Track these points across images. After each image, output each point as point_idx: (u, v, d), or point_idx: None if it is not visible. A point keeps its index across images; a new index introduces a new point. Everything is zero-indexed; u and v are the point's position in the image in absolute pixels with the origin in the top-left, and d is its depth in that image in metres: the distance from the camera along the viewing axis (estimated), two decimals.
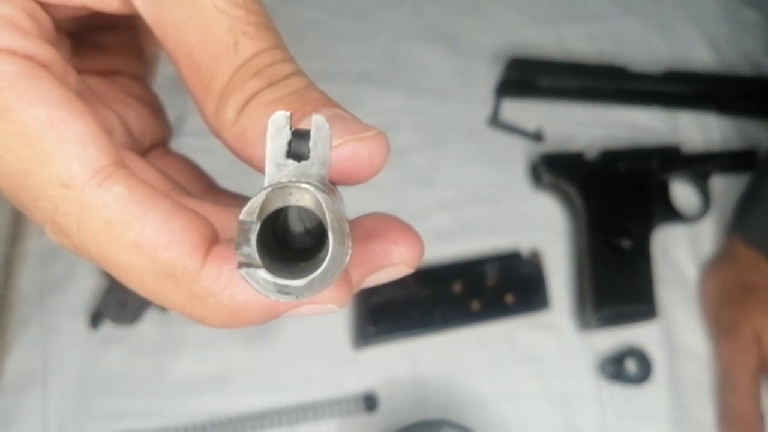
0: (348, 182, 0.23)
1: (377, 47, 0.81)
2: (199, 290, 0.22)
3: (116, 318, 0.65)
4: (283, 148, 0.21)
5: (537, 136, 0.78)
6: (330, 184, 0.22)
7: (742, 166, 0.79)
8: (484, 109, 0.79)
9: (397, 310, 0.68)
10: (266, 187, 0.20)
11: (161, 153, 0.33)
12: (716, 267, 0.73)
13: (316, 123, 0.21)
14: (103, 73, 0.31)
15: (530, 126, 0.78)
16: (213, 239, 0.23)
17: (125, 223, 0.22)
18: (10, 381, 0.63)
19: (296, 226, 0.24)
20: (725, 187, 0.78)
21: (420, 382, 0.67)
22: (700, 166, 0.78)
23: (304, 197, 0.20)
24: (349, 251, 0.20)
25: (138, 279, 0.23)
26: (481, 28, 0.84)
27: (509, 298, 0.70)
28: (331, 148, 0.21)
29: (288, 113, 0.21)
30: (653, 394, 0.69)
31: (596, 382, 0.69)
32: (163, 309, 0.66)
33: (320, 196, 0.20)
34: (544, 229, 0.75)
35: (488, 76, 0.81)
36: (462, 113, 0.79)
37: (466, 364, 0.68)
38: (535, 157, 0.76)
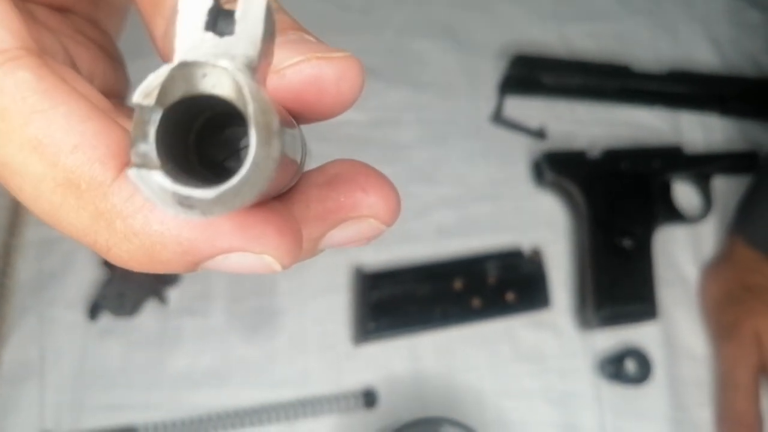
0: (309, 115, 0.19)
1: (382, 42, 0.80)
2: (106, 209, 0.18)
3: (115, 310, 0.65)
4: (202, 17, 0.16)
5: (540, 134, 0.77)
6: (262, 71, 0.17)
7: (743, 167, 0.78)
8: (488, 105, 0.79)
9: (397, 306, 0.67)
10: (170, 66, 0.16)
11: (115, 103, 0.30)
12: (717, 268, 0.73)
13: None
14: (54, 8, 0.28)
15: (533, 123, 0.78)
16: None
17: (24, 116, 0.18)
18: (6, 372, 0.63)
19: (215, 130, 0.20)
20: (727, 188, 0.78)
21: (420, 379, 0.67)
22: (702, 166, 0.78)
23: (221, 82, 0.15)
24: (277, 155, 0.16)
25: (33, 189, 0.19)
26: (486, 25, 0.84)
27: (510, 296, 0.69)
28: (265, 22, 0.17)
29: None
30: (652, 394, 0.69)
31: (596, 382, 0.69)
32: (161, 300, 0.66)
33: (241, 78, 0.15)
34: (545, 227, 0.74)
35: (492, 73, 0.80)
36: (465, 109, 0.79)
37: (465, 362, 0.68)
38: (537, 154, 0.76)
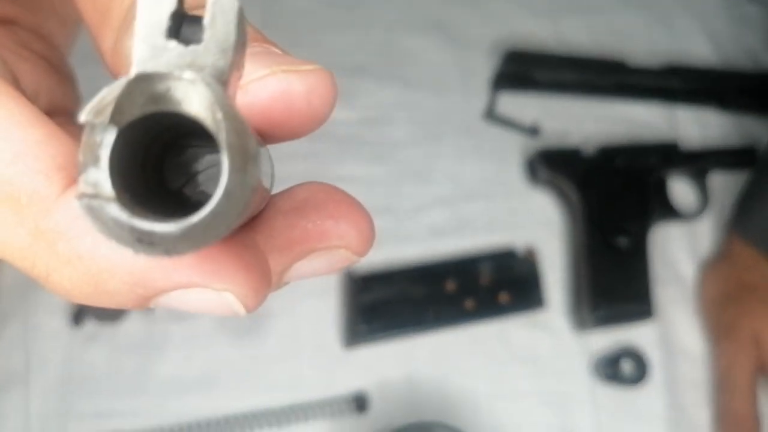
0: (276, 134, 0.18)
1: (371, 39, 0.79)
2: (48, 227, 0.16)
3: (100, 315, 0.63)
4: (163, 23, 0.14)
5: (533, 131, 0.76)
6: (233, 85, 0.15)
7: (741, 163, 0.77)
8: (480, 102, 0.78)
9: (389, 308, 0.66)
10: (126, 79, 0.13)
11: (62, 122, 0.28)
12: (715, 266, 0.72)
13: None
14: None
15: (527, 120, 0.77)
16: None
17: None
18: None
19: (174, 152, 0.17)
20: (724, 184, 0.77)
21: (412, 383, 0.66)
22: (698, 162, 0.77)
23: (188, 97, 0.13)
24: (254, 183, 0.14)
25: None
26: (478, 19, 0.82)
27: (504, 297, 0.68)
28: (237, 28, 0.14)
29: None
30: (649, 395, 0.68)
31: (591, 383, 0.68)
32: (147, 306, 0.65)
33: (212, 93, 0.13)
34: (539, 226, 0.73)
35: (484, 69, 0.79)
36: (458, 107, 0.77)
37: (459, 364, 0.67)
38: (531, 152, 0.75)
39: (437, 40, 0.81)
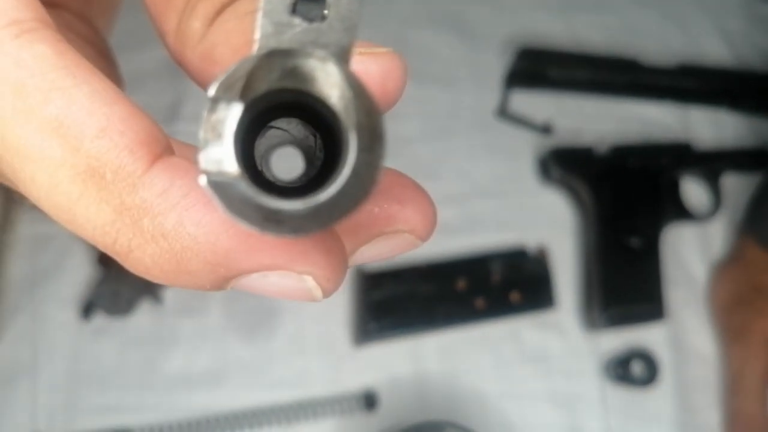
0: None
1: (384, 33, 0.78)
2: (134, 203, 0.16)
3: (109, 309, 0.63)
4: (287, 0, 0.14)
5: (546, 129, 0.76)
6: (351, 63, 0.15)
7: (754, 164, 0.77)
8: (493, 99, 0.77)
9: (399, 306, 0.66)
10: (258, 54, 0.13)
11: None
12: (727, 268, 0.72)
13: None
14: (43, 2, 0.27)
15: (539, 118, 0.76)
16: (166, 148, 0.17)
17: (44, 93, 0.16)
18: None
19: (298, 131, 0.17)
20: (736, 185, 0.76)
21: (421, 381, 0.65)
22: (711, 163, 0.76)
23: (317, 74, 0.13)
24: (380, 163, 0.14)
25: (48, 178, 0.16)
26: (491, 16, 0.82)
27: (514, 296, 0.68)
28: (360, 6, 0.15)
29: None
30: (659, 396, 0.67)
31: (601, 383, 0.67)
32: (157, 299, 0.64)
33: (343, 72, 0.13)
34: (551, 225, 0.73)
35: (497, 65, 0.78)
36: (470, 103, 0.77)
37: (468, 363, 0.66)
38: (543, 150, 0.74)
39: (450, 36, 0.80)
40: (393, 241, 0.19)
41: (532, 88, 0.77)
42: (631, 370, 0.68)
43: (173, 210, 0.16)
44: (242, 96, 0.13)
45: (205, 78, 0.19)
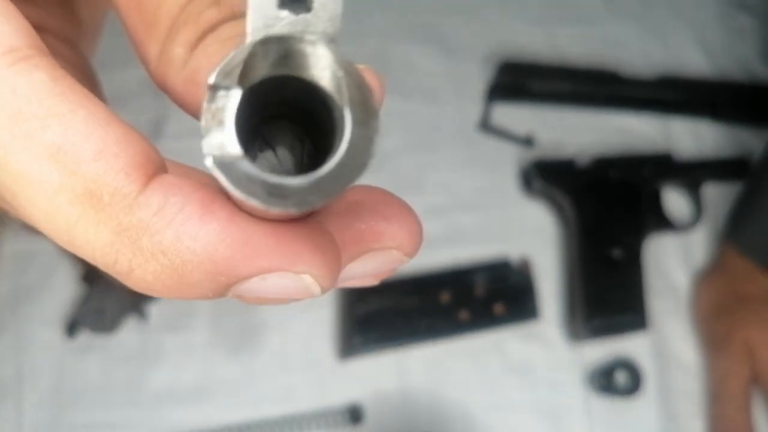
0: None
1: (366, 48, 0.79)
2: (131, 224, 0.16)
3: (94, 326, 0.63)
4: None
5: (528, 141, 0.76)
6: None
7: (734, 174, 0.78)
8: (475, 112, 0.78)
9: (383, 319, 0.66)
10: (253, 41, 0.15)
11: None
12: (709, 277, 0.72)
13: None
14: None
15: (521, 130, 0.77)
16: (160, 167, 0.18)
17: (41, 119, 0.16)
18: None
19: (285, 143, 0.19)
20: (717, 195, 0.77)
21: (407, 394, 0.65)
22: (692, 173, 0.77)
23: (309, 58, 0.15)
24: (375, 137, 0.15)
25: (48, 202, 0.17)
26: (472, 29, 0.82)
27: (498, 308, 0.68)
28: None
29: None
30: (643, 406, 0.68)
31: (585, 394, 0.68)
32: (142, 316, 0.64)
33: (332, 53, 0.15)
34: (534, 236, 0.73)
35: (479, 78, 0.79)
36: (452, 116, 0.77)
37: (453, 376, 0.67)
38: (525, 162, 0.75)
39: (432, 49, 0.81)
40: (380, 258, 0.19)
41: (514, 101, 0.78)
42: (615, 381, 0.68)
43: (169, 227, 0.16)
44: (240, 82, 0.15)
45: (188, 101, 0.19)
